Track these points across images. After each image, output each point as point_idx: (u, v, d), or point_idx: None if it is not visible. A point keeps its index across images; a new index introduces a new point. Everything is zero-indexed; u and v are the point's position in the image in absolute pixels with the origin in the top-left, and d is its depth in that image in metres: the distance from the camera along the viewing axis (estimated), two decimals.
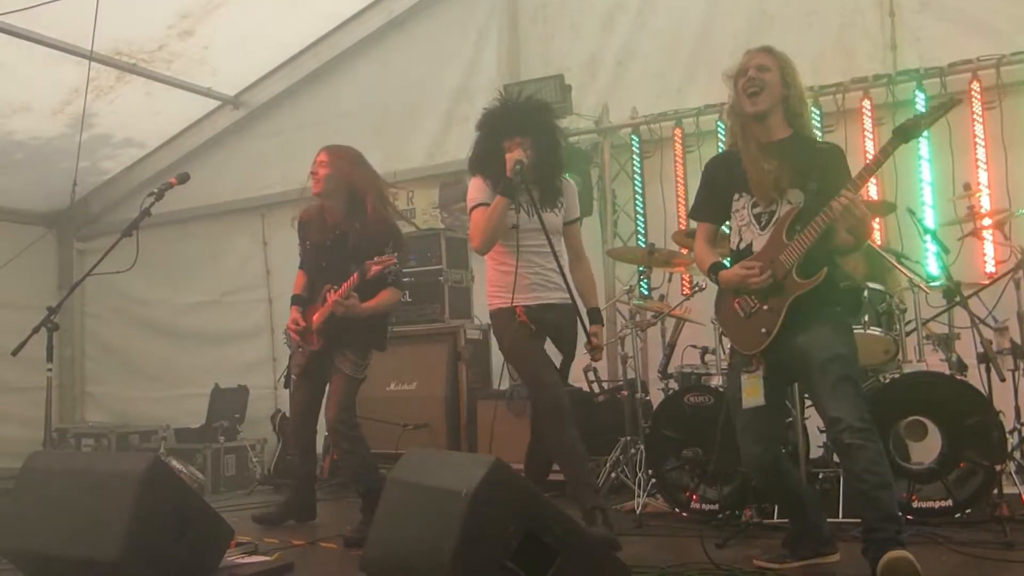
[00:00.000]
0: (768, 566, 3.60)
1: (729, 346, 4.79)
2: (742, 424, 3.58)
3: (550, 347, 4.39)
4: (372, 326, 4.80)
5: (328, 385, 4.80)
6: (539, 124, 4.34)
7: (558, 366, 4.35)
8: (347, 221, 4.74)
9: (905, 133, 3.30)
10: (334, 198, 4.78)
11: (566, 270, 4.34)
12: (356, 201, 4.75)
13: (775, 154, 3.48)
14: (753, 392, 3.47)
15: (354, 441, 4.73)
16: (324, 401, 4.87)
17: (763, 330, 3.44)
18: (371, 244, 4.59)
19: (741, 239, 3.59)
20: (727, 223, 3.74)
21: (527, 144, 4.20)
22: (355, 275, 4.52)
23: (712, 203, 3.72)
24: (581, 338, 4.34)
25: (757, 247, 3.52)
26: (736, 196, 3.59)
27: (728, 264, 3.66)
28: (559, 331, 4.34)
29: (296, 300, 4.91)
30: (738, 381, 3.56)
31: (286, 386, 5.12)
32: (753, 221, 3.54)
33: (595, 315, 4.40)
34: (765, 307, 3.46)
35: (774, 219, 3.48)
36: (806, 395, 4.51)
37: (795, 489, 3.71)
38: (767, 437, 3.55)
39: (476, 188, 4.31)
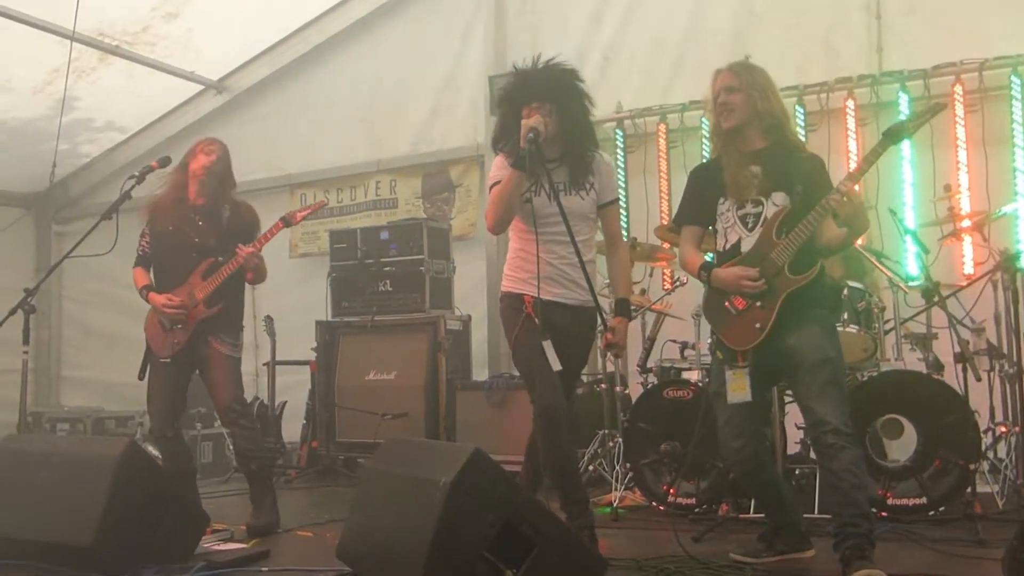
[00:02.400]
0: (744, 560, 3.62)
1: (710, 343, 4.84)
2: (724, 418, 3.60)
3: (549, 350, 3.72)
4: (236, 305, 4.76)
5: (209, 371, 4.63)
6: (560, 88, 3.76)
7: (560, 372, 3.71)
8: (217, 200, 4.69)
9: (894, 135, 3.38)
10: (212, 180, 4.70)
11: (595, 263, 3.92)
12: (225, 183, 4.77)
13: (757, 160, 3.56)
14: (739, 387, 3.50)
15: (249, 418, 4.79)
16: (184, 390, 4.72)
17: (757, 325, 3.47)
18: (247, 216, 4.72)
19: (727, 240, 3.63)
20: (711, 227, 3.78)
21: (547, 111, 3.68)
22: (279, 223, 4.57)
23: (698, 207, 3.76)
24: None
25: (745, 246, 3.57)
26: (721, 200, 3.65)
27: (712, 261, 3.70)
28: (564, 337, 3.74)
29: (149, 288, 4.66)
30: (722, 377, 3.58)
31: (140, 378, 4.69)
32: (739, 222, 3.59)
33: (622, 307, 3.91)
34: (758, 304, 3.48)
35: (761, 220, 3.54)
36: (787, 393, 4.55)
37: (773, 484, 3.74)
38: (748, 432, 3.57)
39: (496, 166, 3.82)
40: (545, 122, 3.64)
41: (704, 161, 3.90)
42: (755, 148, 3.58)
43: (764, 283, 3.45)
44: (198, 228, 4.65)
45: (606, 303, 4.43)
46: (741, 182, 3.55)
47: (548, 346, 3.64)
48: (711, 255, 3.78)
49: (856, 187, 3.39)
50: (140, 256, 4.77)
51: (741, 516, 4.36)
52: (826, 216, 3.36)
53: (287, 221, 4.63)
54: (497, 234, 3.93)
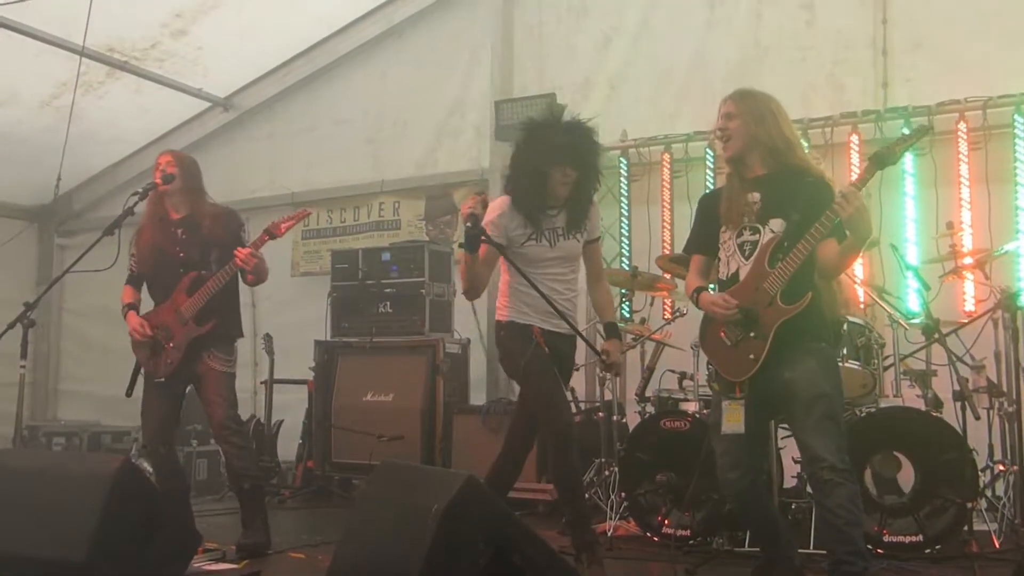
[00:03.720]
0: None
1: (708, 374, 4.83)
2: (721, 449, 3.58)
3: None
4: (229, 318, 4.72)
5: (203, 389, 4.62)
6: (589, 157, 4.07)
7: None
8: (193, 211, 4.68)
9: (881, 160, 3.34)
10: (182, 193, 4.70)
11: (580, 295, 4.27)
12: (197, 194, 4.75)
13: (758, 187, 3.56)
14: (734, 419, 3.47)
15: (244, 436, 4.73)
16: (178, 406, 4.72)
17: (751, 356, 3.44)
18: (229, 222, 4.67)
19: (728, 269, 3.63)
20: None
21: (572, 177, 3.98)
22: (263, 236, 4.50)
23: (704, 237, 3.77)
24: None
25: (743, 276, 3.55)
26: (723, 228, 3.65)
27: (712, 291, 3.70)
28: (563, 362, 4.14)
29: (130, 307, 4.73)
30: (720, 408, 3.56)
31: (128, 394, 4.73)
32: (737, 251, 3.59)
33: (612, 329, 4.23)
34: (752, 334, 3.46)
35: (757, 248, 3.52)
36: (782, 426, 4.53)
37: (770, 518, 3.71)
38: (745, 465, 3.55)
39: (496, 210, 4.05)
40: (478, 212, 3.87)
41: (711, 190, 3.89)
42: (757, 175, 3.58)
43: (736, 311, 3.43)
44: (181, 242, 4.65)
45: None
46: (735, 210, 3.57)
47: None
48: (714, 285, 3.77)
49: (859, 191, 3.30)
50: (130, 275, 4.81)
51: (736, 549, 4.34)
52: (820, 240, 3.33)
53: (271, 233, 4.54)
54: (471, 300, 4.25)
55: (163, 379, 4.60)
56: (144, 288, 4.81)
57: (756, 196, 3.54)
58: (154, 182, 4.65)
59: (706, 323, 3.68)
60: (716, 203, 3.71)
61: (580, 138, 4.05)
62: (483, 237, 3.81)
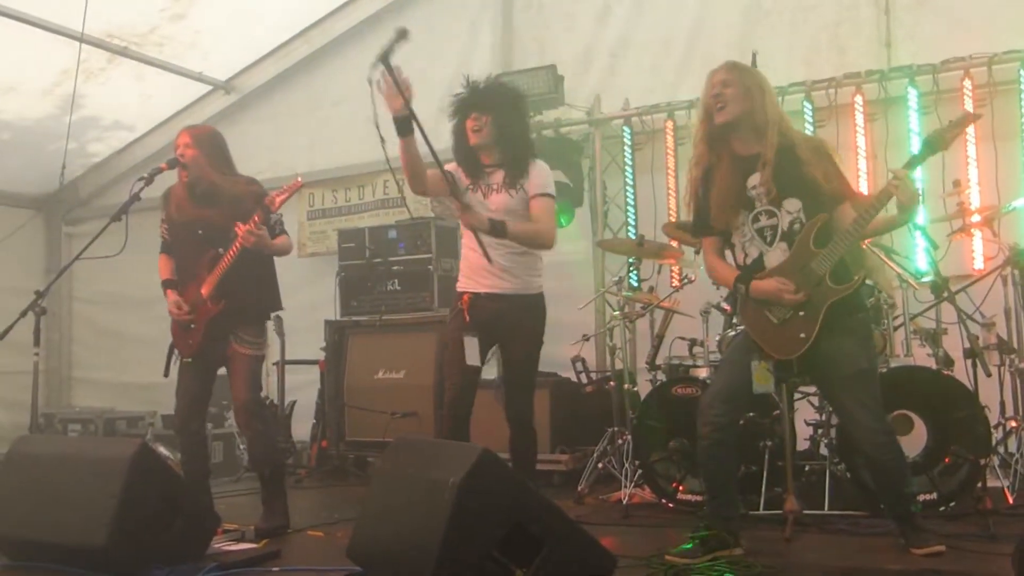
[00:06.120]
0: (678, 560, 3.53)
1: (718, 339, 4.85)
2: (722, 382, 3.71)
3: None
4: (261, 295, 4.67)
5: (229, 371, 4.59)
6: (498, 100, 4.25)
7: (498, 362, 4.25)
8: (214, 187, 4.57)
9: (932, 146, 3.53)
10: (202, 170, 4.58)
11: (536, 255, 4.30)
12: (218, 168, 4.63)
13: (756, 167, 3.57)
14: (764, 380, 3.57)
15: (265, 421, 4.70)
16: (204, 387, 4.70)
17: (802, 335, 3.51)
18: (249, 196, 4.53)
19: (747, 254, 3.65)
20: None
21: (483, 121, 4.18)
22: (258, 215, 4.37)
23: (708, 216, 3.74)
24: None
25: (770, 261, 3.59)
26: (734, 212, 3.65)
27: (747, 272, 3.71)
28: (502, 328, 4.20)
29: (169, 284, 4.68)
30: (738, 344, 3.72)
31: (166, 374, 4.71)
32: (756, 236, 3.61)
33: (497, 225, 4.06)
34: (801, 313, 3.52)
35: (778, 232, 3.56)
36: (798, 390, 4.57)
37: (726, 468, 3.73)
38: (735, 407, 3.65)
39: (451, 165, 4.39)
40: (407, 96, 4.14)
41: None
42: (753, 152, 3.58)
43: (804, 294, 3.48)
44: (203, 218, 4.58)
45: (613, 300, 4.82)
46: (733, 195, 3.59)
47: (473, 343, 4.14)
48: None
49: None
50: (163, 242, 4.75)
51: (750, 512, 4.36)
52: (869, 220, 3.45)
53: (266, 208, 4.40)
54: (417, 192, 4.45)
55: (189, 359, 4.59)
56: None
57: (757, 179, 3.56)
58: (159, 167, 4.63)
59: (746, 301, 3.68)
60: (709, 179, 3.69)
61: (486, 89, 4.29)
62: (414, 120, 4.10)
